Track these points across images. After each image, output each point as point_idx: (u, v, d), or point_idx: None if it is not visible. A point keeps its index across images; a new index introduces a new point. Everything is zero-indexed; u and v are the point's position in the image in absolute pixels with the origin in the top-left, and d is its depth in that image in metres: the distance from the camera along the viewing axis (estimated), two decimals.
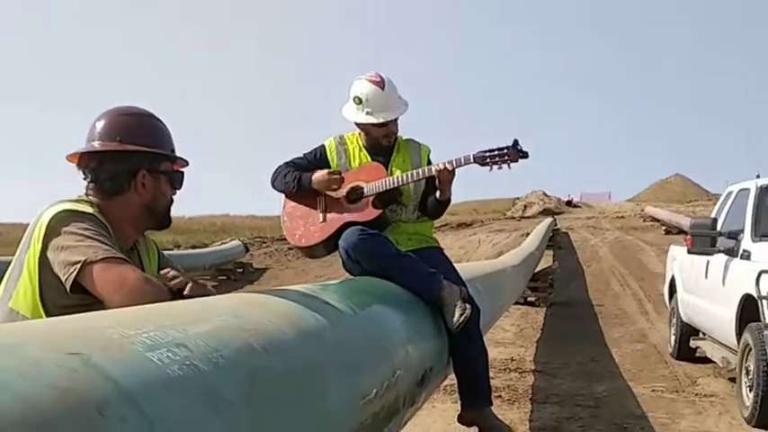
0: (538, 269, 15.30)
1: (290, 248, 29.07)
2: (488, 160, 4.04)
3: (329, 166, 4.20)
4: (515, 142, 4.06)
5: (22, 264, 2.42)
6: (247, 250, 26.90)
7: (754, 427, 6.24)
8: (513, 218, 45.30)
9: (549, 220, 34.84)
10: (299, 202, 4.20)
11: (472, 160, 4.05)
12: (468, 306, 3.80)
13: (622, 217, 45.93)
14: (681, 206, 51.98)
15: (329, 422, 2.07)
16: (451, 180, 4.09)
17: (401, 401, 2.85)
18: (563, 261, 22.21)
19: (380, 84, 4.07)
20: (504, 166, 4.06)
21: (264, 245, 31.03)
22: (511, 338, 10.75)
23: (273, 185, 4.24)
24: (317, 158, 4.23)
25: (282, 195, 4.27)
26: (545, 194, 57.64)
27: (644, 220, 40.82)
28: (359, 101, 4.10)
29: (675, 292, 9.77)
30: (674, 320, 9.65)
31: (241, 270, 23.85)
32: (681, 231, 30.01)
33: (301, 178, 4.12)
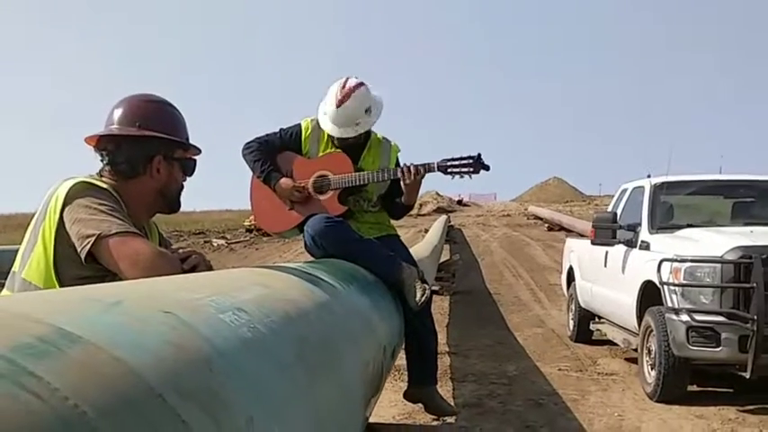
0: (440, 261, 15.42)
1: (206, 242, 28.71)
2: (450, 170, 4.00)
3: (300, 149, 4.11)
4: (479, 156, 4.01)
5: (37, 236, 2.34)
6: None
7: (656, 402, 6.44)
8: (410, 215, 45.40)
9: (444, 217, 35.09)
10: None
11: (436, 169, 4.00)
12: (427, 286, 3.79)
13: (508, 215, 46.70)
14: (559, 206, 53.25)
15: (349, 387, 2.04)
16: (418, 187, 4.05)
17: (383, 372, 2.83)
18: (459, 254, 22.47)
19: (340, 102, 3.93)
20: (466, 176, 4.03)
21: (182, 238, 30.47)
22: None
23: (244, 158, 4.14)
24: (291, 138, 4.12)
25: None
26: (438, 194, 58.13)
27: (527, 218, 41.67)
28: (324, 110, 4.02)
29: (573, 280, 9.98)
30: (573, 306, 9.86)
31: None
32: (561, 228, 30.91)
33: (270, 175, 4.04)
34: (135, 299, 1.25)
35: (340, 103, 3.93)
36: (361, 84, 4.01)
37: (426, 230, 25.53)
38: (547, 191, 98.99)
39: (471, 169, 4.00)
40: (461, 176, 4.01)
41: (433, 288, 13.67)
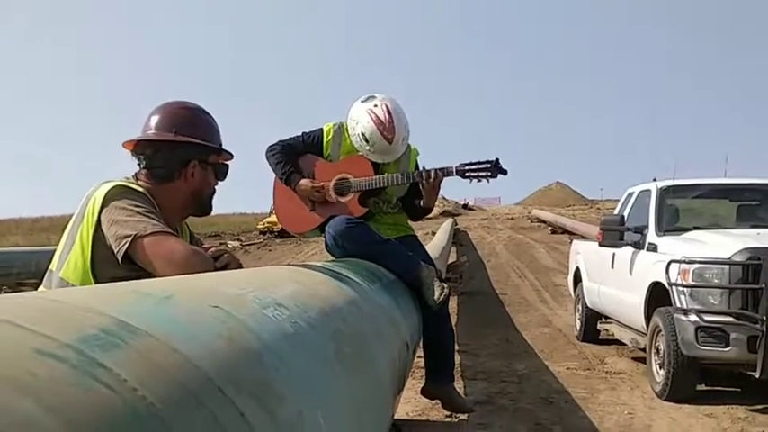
0: (448, 262, 15.41)
1: (221, 243, 28.68)
2: (468, 174, 3.97)
3: (322, 152, 4.10)
4: (497, 160, 3.98)
5: (75, 236, 2.36)
6: None
7: (665, 400, 6.37)
8: None
9: (450, 220, 35.18)
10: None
11: (455, 173, 3.96)
12: (445, 285, 3.76)
13: (512, 218, 46.69)
14: (562, 210, 53.24)
15: (381, 382, 2.01)
16: (437, 190, 4.02)
17: (407, 369, 2.80)
18: (466, 256, 22.45)
19: (390, 140, 3.91)
20: (484, 180, 3.99)
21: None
22: None
23: (267, 160, 4.14)
24: (313, 142, 4.11)
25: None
26: (444, 198, 58.21)
27: (531, 221, 41.64)
28: (365, 140, 3.95)
29: (580, 281, 9.92)
30: (580, 307, 9.80)
31: None
32: (564, 231, 30.85)
33: (290, 177, 4.03)
34: (184, 293, 1.24)
35: (390, 141, 3.92)
36: (391, 110, 3.95)
37: (434, 233, 25.51)
38: (550, 195, 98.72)
39: (489, 174, 3.97)
40: (479, 180, 3.98)
41: None
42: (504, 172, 4.00)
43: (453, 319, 11.04)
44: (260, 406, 0.99)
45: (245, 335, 1.16)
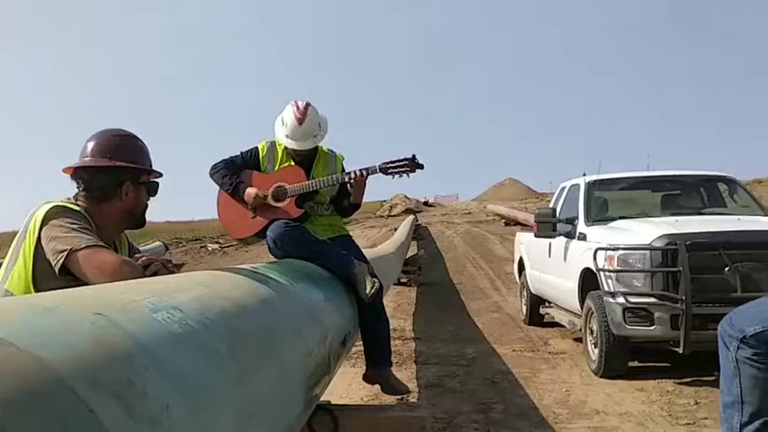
0: (408, 256, 15.45)
1: (202, 246, 28.71)
2: (390, 170, 4.09)
3: (259, 166, 4.20)
4: (413, 156, 4.12)
5: (18, 251, 2.45)
6: (167, 249, 26.44)
7: (600, 377, 6.50)
8: (382, 216, 45.68)
9: (411, 217, 35.28)
10: (232, 197, 4.16)
11: (378, 170, 4.09)
12: (376, 280, 3.84)
13: (470, 213, 46.88)
14: (515, 203, 53.47)
15: (289, 374, 2.06)
16: (363, 187, 4.16)
17: (331, 359, 2.85)
18: (425, 249, 22.51)
19: (300, 120, 4.06)
20: (404, 175, 4.12)
21: (181, 245, 30.67)
22: (391, 312, 10.71)
23: (211, 177, 4.23)
24: (251, 158, 4.24)
25: (218, 188, 4.25)
26: (406, 197, 58.43)
27: (487, 216, 41.86)
28: (282, 122, 4.13)
29: (524, 269, 10.03)
30: (525, 293, 9.92)
31: None
32: (518, 223, 31.04)
33: (237, 187, 4.13)
34: (73, 303, 1.29)
35: (300, 122, 4.07)
36: (309, 104, 4.15)
37: (396, 229, 25.57)
38: (503, 190, 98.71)
39: (408, 169, 4.11)
40: (400, 176, 4.13)
41: (402, 280, 13.83)
42: (421, 166, 4.15)
43: (411, 309, 11.19)
44: (116, 401, 1.04)
45: (122, 338, 1.20)
